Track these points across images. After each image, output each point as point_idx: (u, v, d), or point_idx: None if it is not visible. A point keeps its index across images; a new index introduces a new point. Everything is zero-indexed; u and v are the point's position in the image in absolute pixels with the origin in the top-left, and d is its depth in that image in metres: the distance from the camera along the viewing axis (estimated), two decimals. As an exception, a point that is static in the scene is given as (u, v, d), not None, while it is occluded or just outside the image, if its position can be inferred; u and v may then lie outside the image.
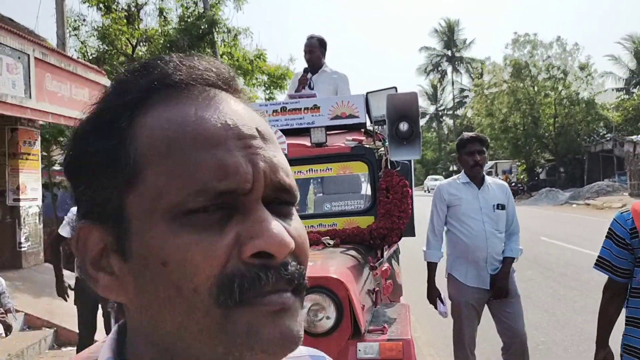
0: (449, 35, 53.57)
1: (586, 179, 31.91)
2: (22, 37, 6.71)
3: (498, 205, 3.68)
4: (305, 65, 5.01)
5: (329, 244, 3.49)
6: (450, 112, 57.32)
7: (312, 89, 4.75)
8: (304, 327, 2.48)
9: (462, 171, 3.80)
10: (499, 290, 3.63)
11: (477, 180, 3.72)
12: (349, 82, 5.04)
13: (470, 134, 3.84)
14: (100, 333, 4.83)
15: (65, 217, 4.84)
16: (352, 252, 3.32)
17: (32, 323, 6.38)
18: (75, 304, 4.78)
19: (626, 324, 2.40)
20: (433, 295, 3.84)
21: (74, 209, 4.75)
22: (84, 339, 4.72)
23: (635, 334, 2.33)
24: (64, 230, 4.68)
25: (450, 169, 58.76)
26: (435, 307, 3.86)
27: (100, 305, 4.74)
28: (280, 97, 15.49)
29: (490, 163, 34.84)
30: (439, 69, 55.92)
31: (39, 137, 8.44)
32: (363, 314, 2.74)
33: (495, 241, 3.64)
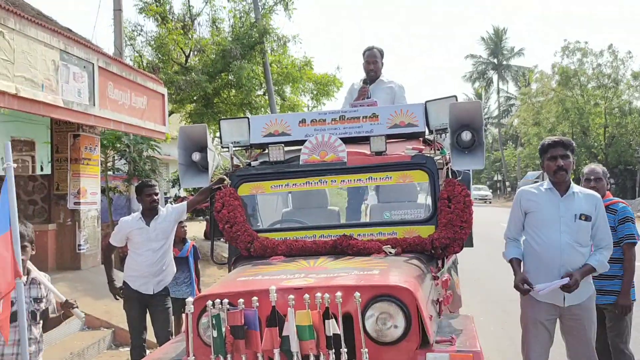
0: (495, 42, 52.72)
1: (638, 191, 30.73)
2: (87, 46, 7.00)
3: (581, 215, 3.44)
4: (363, 75, 5.05)
5: (390, 252, 3.49)
6: (495, 120, 56.29)
7: (369, 97, 4.78)
8: (373, 336, 2.52)
9: (547, 177, 3.62)
10: (570, 284, 3.30)
11: (562, 187, 3.51)
12: (406, 92, 5.06)
13: (553, 137, 3.63)
14: (150, 334, 4.98)
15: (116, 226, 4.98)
16: (415, 262, 3.31)
17: (91, 324, 6.61)
18: (124, 308, 4.93)
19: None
20: (520, 280, 3.49)
21: (123, 219, 4.90)
22: (135, 340, 4.88)
23: None
24: (114, 240, 4.83)
25: (495, 178, 57.68)
26: (527, 292, 3.48)
27: (148, 310, 4.88)
28: (328, 104, 15.59)
29: (536, 173, 33.97)
30: (485, 76, 55.04)
31: (99, 143, 8.76)
32: (430, 323, 2.74)
33: (573, 254, 3.41)
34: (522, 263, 3.65)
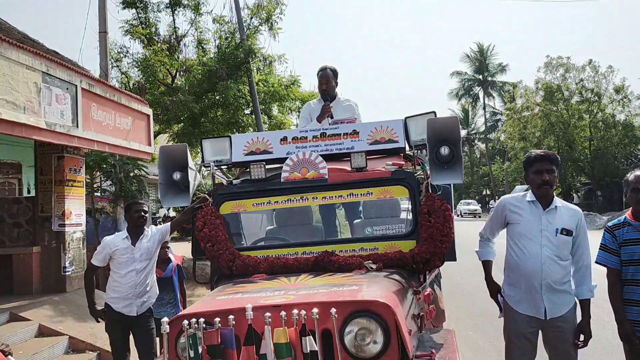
0: (480, 59, 53.35)
1: (625, 203, 31.02)
2: (70, 68, 7.01)
3: (563, 230, 3.46)
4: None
5: (371, 268, 3.49)
6: (482, 135, 56.75)
7: (332, 117, 4.85)
8: (352, 351, 2.52)
9: (530, 189, 3.62)
10: (585, 339, 3.49)
11: (545, 200, 3.53)
12: (359, 108, 5.17)
13: (539, 151, 3.63)
14: (134, 356, 4.92)
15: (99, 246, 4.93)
16: (396, 277, 3.32)
17: (75, 346, 6.53)
18: (106, 330, 4.88)
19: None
20: (493, 291, 3.77)
21: (106, 238, 4.87)
22: None
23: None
24: (96, 260, 4.78)
25: (484, 192, 57.99)
26: (499, 305, 3.75)
27: (131, 332, 4.83)
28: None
29: (524, 187, 34.18)
30: (471, 93, 55.60)
31: (84, 164, 8.72)
32: (410, 339, 2.74)
33: (554, 268, 3.43)
34: (493, 263, 3.83)
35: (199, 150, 12.83)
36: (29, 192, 13.39)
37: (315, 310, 2.42)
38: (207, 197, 4.04)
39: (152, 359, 4.63)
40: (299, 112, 15.12)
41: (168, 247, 5.80)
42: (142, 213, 4.79)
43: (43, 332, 6.64)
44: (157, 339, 5.02)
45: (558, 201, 3.58)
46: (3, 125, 5.63)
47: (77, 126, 7.03)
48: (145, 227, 4.84)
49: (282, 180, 3.89)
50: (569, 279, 3.53)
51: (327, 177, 3.85)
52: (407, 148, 4.15)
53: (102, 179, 11.46)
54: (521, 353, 3.56)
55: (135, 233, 4.76)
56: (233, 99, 12.61)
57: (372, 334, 2.58)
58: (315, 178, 3.85)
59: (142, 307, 4.77)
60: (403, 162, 4.12)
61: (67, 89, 6.84)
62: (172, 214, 18.67)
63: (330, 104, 4.96)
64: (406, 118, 4.06)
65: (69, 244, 8.18)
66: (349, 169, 3.89)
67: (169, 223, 5.01)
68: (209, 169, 4.15)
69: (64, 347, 6.44)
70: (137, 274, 4.69)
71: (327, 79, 5.04)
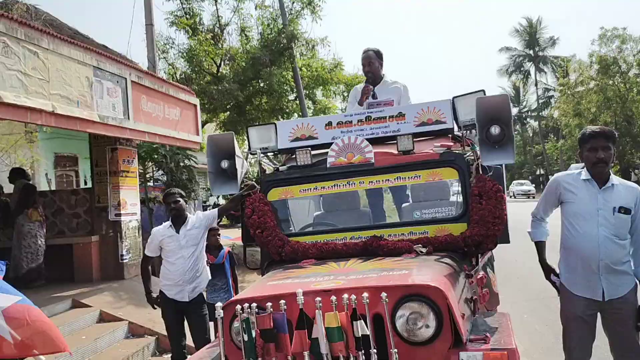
0: (530, 33, 51.45)
1: (690, 179, 29.49)
2: (119, 62, 7.20)
3: (620, 208, 3.32)
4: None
5: (421, 252, 3.44)
6: (535, 113, 54.97)
7: (376, 99, 4.76)
8: (404, 336, 2.49)
9: (585, 167, 3.49)
10: None
11: (600, 178, 3.40)
12: (409, 91, 5.03)
13: (594, 127, 3.47)
14: (190, 340, 5.06)
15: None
16: (447, 260, 3.27)
17: (135, 331, 6.77)
18: (162, 317, 5.03)
19: None
20: (548, 273, 3.69)
21: (155, 228, 4.99)
22: (175, 347, 5.00)
23: None
24: (148, 250, 4.94)
25: (537, 172, 56.33)
26: (554, 286, 3.68)
27: (185, 317, 4.95)
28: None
29: (580, 165, 32.96)
30: (522, 69, 53.77)
31: (136, 155, 8.98)
32: (463, 322, 2.69)
33: (612, 248, 3.29)
34: (546, 244, 3.74)
35: (245, 138, 13.04)
36: (85, 183, 13.93)
37: (365, 294, 2.40)
38: (255, 184, 4.07)
39: (206, 344, 4.75)
40: (344, 95, 15.05)
41: (219, 235, 5.91)
42: (172, 205, 4.84)
43: (104, 317, 6.92)
44: (211, 324, 5.15)
45: (615, 179, 3.43)
46: (59, 120, 5.85)
47: (129, 118, 7.22)
48: (188, 214, 4.93)
49: (328, 165, 3.87)
50: (629, 258, 3.39)
51: (373, 161, 3.80)
52: (456, 129, 4.04)
53: (154, 169, 11.79)
54: (579, 336, 3.45)
55: (177, 222, 4.87)
56: (277, 86, 12.68)
57: (424, 318, 2.56)
58: (362, 162, 3.81)
59: (194, 293, 4.88)
60: (452, 144, 4.01)
61: (117, 82, 7.03)
62: (222, 201, 19.03)
63: (375, 86, 4.89)
64: (454, 98, 3.95)
65: (125, 232, 8.46)
66: (396, 152, 3.83)
67: (216, 209, 5.09)
68: (256, 156, 4.19)
69: (124, 332, 6.70)
70: (185, 260, 4.80)
71: (370, 60, 4.95)
